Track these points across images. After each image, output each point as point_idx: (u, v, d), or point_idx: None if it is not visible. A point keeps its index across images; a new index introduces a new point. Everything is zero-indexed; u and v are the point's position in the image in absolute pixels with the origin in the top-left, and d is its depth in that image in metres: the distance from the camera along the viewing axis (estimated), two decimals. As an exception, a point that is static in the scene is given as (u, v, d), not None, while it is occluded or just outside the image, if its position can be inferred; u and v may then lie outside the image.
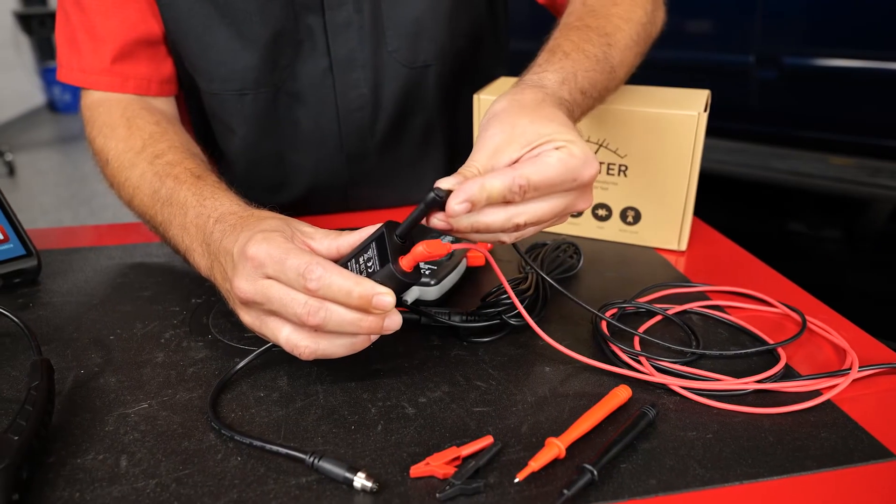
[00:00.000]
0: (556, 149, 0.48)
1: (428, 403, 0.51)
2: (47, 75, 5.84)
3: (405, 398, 0.52)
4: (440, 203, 0.47)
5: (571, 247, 0.75)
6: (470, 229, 0.48)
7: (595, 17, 0.68)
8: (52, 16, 5.67)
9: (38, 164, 4.41)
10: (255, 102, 0.81)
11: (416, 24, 0.81)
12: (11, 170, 4.14)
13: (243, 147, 0.85)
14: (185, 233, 0.59)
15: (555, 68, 0.60)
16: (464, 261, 0.70)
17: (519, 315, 0.60)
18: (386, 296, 0.46)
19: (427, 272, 0.64)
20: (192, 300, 0.66)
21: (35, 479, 0.44)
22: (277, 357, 0.57)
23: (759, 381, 0.52)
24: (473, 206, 0.46)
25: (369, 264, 0.49)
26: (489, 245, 0.75)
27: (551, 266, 0.69)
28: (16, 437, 0.43)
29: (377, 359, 0.56)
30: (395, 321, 0.49)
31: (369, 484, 0.43)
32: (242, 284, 0.49)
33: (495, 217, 0.48)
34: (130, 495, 0.42)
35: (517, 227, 0.49)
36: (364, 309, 0.47)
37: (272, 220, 0.53)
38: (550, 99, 0.55)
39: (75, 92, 5.84)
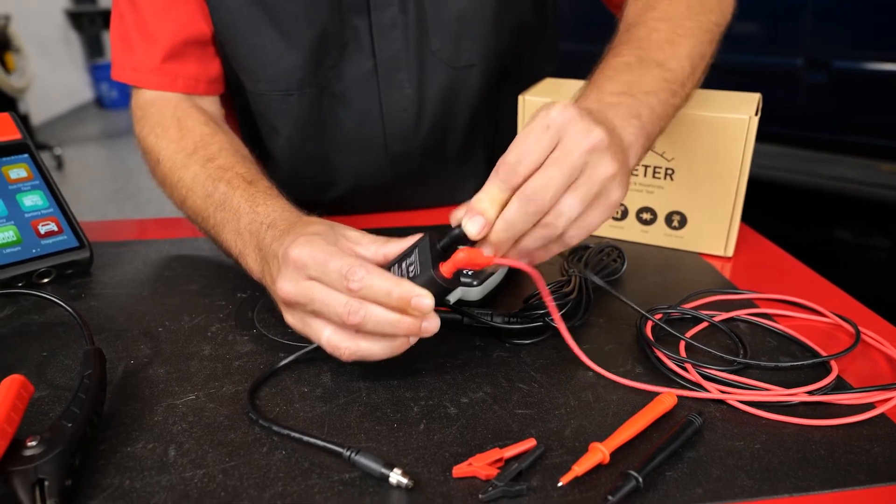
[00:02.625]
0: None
1: (470, 404, 0.51)
2: (96, 72, 5.97)
3: (447, 398, 0.52)
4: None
5: (615, 250, 0.74)
6: (509, 238, 0.48)
7: (624, 32, 0.65)
8: (101, 14, 5.81)
9: (85, 159, 4.51)
10: (299, 103, 0.82)
11: (460, 23, 0.81)
12: (60, 163, 4.24)
13: (288, 147, 0.86)
14: (239, 237, 0.61)
15: (621, 82, 0.57)
16: (506, 262, 0.69)
17: (563, 317, 0.59)
18: (425, 298, 0.47)
19: (469, 273, 0.64)
20: (238, 294, 0.67)
21: (87, 466, 0.45)
22: (321, 353, 0.57)
23: (809, 393, 0.51)
24: (485, 217, 0.47)
25: (410, 269, 0.49)
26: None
27: (595, 269, 0.69)
28: (69, 425, 0.44)
29: (419, 358, 0.56)
30: (433, 324, 0.49)
31: (405, 480, 0.43)
32: (285, 285, 0.49)
33: (515, 211, 0.47)
34: (178, 484, 0.43)
35: (542, 213, 0.47)
36: (403, 310, 0.47)
37: (318, 226, 0.54)
38: (619, 104, 0.54)
39: (122, 88, 6.00)
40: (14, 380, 0.46)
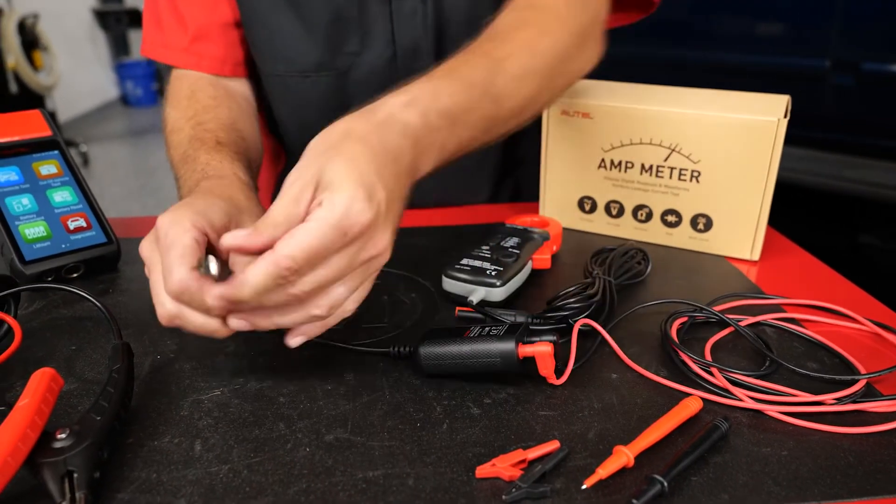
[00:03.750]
0: (319, 205, 0.45)
1: (493, 405, 0.51)
2: (121, 70, 6.05)
3: (470, 398, 0.52)
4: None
5: (639, 252, 0.74)
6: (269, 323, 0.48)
7: (491, 40, 0.62)
8: (128, 13, 5.88)
9: (110, 156, 4.57)
10: (315, 86, 0.85)
11: (473, 7, 0.82)
12: (86, 160, 4.30)
13: (308, 135, 0.86)
14: (187, 191, 0.62)
15: (409, 89, 0.54)
16: (529, 262, 0.70)
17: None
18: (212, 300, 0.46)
19: (493, 273, 0.64)
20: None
21: (114, 459, 0.45)
22: (343, 351, 0.58)
23: (838, 400, 0.50)
24: (233, 306, 0.46)
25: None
26: (554, 248, 0.75)
27: (619, 271, 0.69)
28: (98, 418, 0.45)
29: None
30: (236, 324, 0.48)
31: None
32: (143, 244, 0.51)
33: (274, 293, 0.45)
34: (205, 479, 0.44)
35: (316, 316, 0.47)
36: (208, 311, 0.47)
37: (211, 198, 0.54)
38: (376, 128, 0.50)
39: (147, 87, 6.07)
40: (45, 373, 0.46)
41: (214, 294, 0.45)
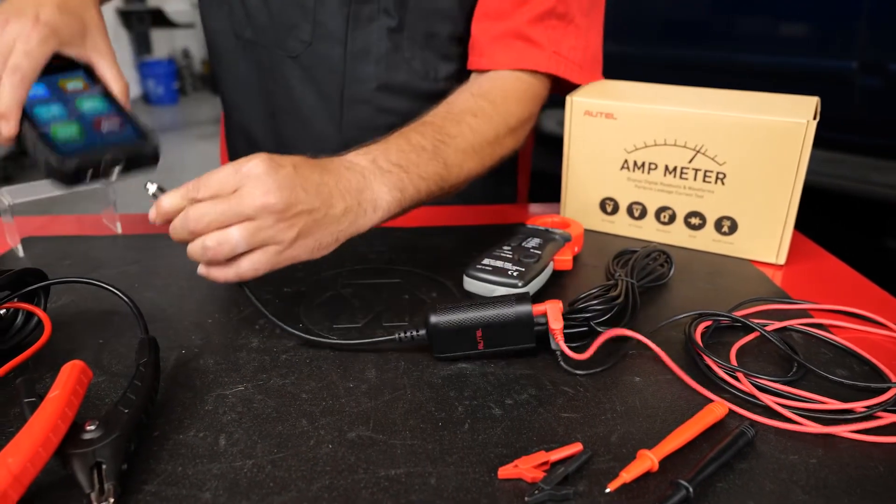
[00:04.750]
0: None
1: (515, 405, 0.51)
2: (143, 69, 6.13)
3: (492, 399, 0.52)
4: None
5: (662, 255, 0.73)
6: (177, 238, 0.56)
7: (444, 118, 0.73)
8: (150, 12, 5.94)
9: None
10: (261, 59, 0.91)
11: (431, 25, 0.87)
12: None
13: (237, 98, 0.97)
14: None
15: (363, 148, 0.64)
16: (551, 263, 0.69)
17: (608, 322, 0.59)
18: None
19: (514, 273, 0.64)
20: (284, 289, 0.68)
21: (141, 451, 0.46)
22: (365, 349, 0.58)
23: (868, 408, 0.50)
24: (158, 211, 0.56)
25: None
26: (575, 250, 0.75)
27: (641, 274, 0.68)
28: (126, 411, 0.45)
29: (464, 357, 0.57)
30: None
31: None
32: None
33: (177, 221, 0.55)
34: (229, 473, 0.44)
35: (192, 232, 0.54)
36: None
37: (73, 17, 0.68)
38: (318, 160, 0.60)
39: (168, 85, 6.14)
40: (75, 365, 0.47)
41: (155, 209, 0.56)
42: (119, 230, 0.84)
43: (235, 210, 0.53)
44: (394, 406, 0.51)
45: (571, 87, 0.85)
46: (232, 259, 0.55)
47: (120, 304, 0.57)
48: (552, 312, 0.55)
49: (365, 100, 0.89)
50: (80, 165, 0.63)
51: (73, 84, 0.72)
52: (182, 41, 6.68)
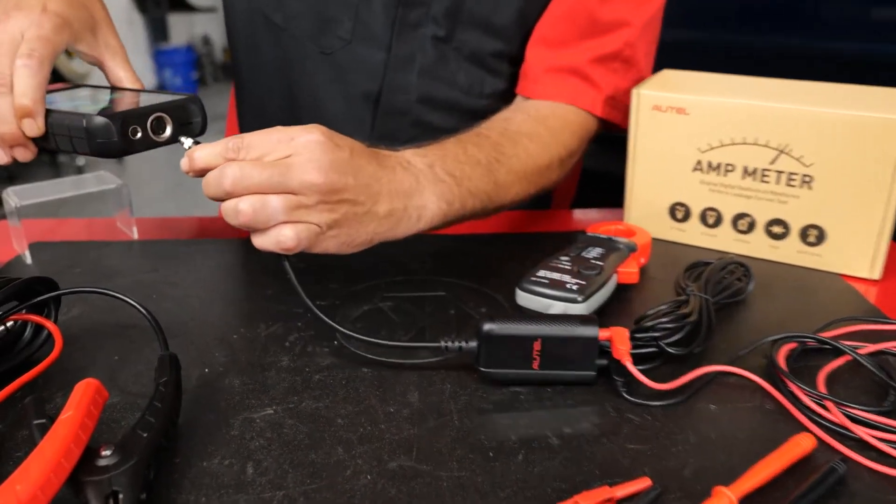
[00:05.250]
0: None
1: (574, 435, 0.51)
2: (159, 57, 6.19)
3: (549, 427, 0.52)
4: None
5: (740, 267, 0.73)
6: (211, 195, 0.56)
7: (501, 134, 0.75)
8: (166, -4, 6.05)
9: (147, 152, 4.70)
10: (292, 49, 0.92)
11: (483, 43, 0.89)
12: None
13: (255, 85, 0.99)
14: None
15: (420, 148, 0.67)
16: (614, 276, 0.69)
17: (679, 343, 0.59)
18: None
19: (574, 287, 0.64)
20: (318, 302, 0.69)
21: (161, 480, 0.47)
22: (407, 370, 0.58)
23: (977, 442, 0.49)
24: (191, 164, 0.56)
25: None
26: (641, 261, 0.74)
27: (716, 289, 0.68)
28: (144, 434, 0.46)
29: (514, 378, 0.57)
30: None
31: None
32: None
33: (211, 177, 0.55)
34: (257, 506, 0.45)
35: (228, 192, 0.54)
36: None
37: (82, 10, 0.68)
38: (375, 150, 0.62)
39: (186, 75, 6.21)
40: (89, 384, 0.48)
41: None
42: (135, 235, 0.86)
43: (280, 180, 0.54)
44: (439, 433, 0.51)
45: (618, 129, 0.88)
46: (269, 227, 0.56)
47: (137, 316, 0.59)
48: (618, 338, 0.56)
49: (402, 111, 0.91)
50: (125, 121, 0.60)
51: (84, 91, 0.72)
52: (202, 27, 6.75)
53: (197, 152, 0.56)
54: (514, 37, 0.88)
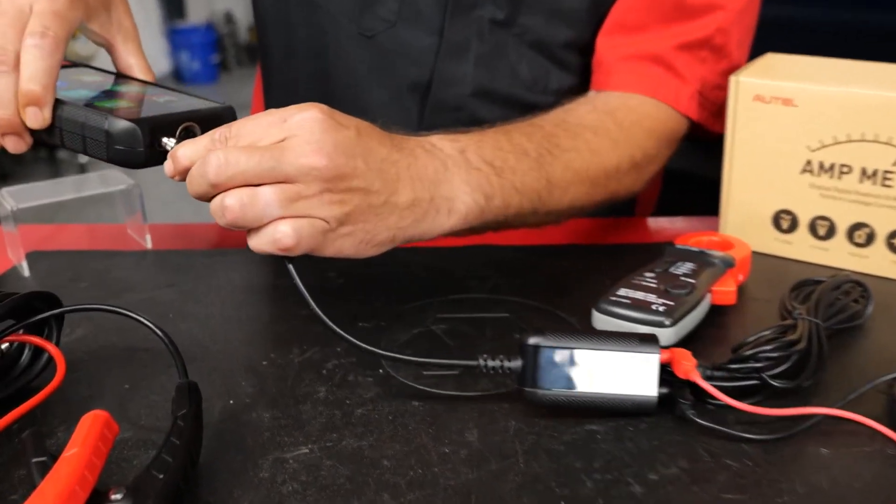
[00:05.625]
0: None
1: (660, 482, 0.51)
2: (174, 37, 6.17)
3: (630, 472, 0.52)
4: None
5: (857, 287, 0.72)
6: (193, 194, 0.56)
7: (557, 125, 0.75)
8: (182, -34, 6.13)
9: (158, 146, 4.78)
10: (328, 30, 0.93)
11: (552, 33, 0.90)
12: (126, 151, 4.52)
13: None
14: None
15: (448, 134, 0.66)
16: (708, 296, 0.69)
17: (785, 375, 0.58)
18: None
19: (661, 308, 0.64)
20: (359, 324, 0.69)
21: (180, 528, 0.47)
22: (464, 403, 0.59)
23: None
24: (176, 164, 0.56)
25: None
26: (740, 278, 0.74)
27: (828, 312, 0.67)
28: (160, 476, 0.46)
29: (592, 417, 0.57)
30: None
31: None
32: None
33: (195, 170, 0.55)
34: (291, 561, 0.45)
35: (213, 184, 0.54)
36: None
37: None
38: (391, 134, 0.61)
39: (205, 59, 6.27)
40: (97, 417, 0.48)
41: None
42: (148, 244, 0.87)
43: (272, 164, 0.53)
44: (502, 479, 0.51)
45: (706, 133, 0.87)
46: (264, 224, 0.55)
47: (151, 338, 0.59)
48: (680, 355, 0.56)
49: (454, 106, 0.91)
50: (154, 129, 0.60)
51: (90, 77, 0.73)
52: (224, 3, 6.75)
53: (181, 150, 0.56)
54: (585, 24, 0.88)
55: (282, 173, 0.53)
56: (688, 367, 0.55)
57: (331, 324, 0.58)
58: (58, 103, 0.63)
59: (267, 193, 0.53)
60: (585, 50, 0.90)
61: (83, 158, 4.34)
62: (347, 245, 0.57)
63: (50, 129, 0.63)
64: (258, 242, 0.55)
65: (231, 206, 0.53)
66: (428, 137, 0.64)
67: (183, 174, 0.56)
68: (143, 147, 0.59)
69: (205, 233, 0.92)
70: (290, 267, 0.58)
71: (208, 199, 0.55)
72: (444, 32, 0.88)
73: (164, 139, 0.59)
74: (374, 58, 0.91)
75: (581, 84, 0.91)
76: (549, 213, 0.72)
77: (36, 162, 4.60)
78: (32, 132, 0.63)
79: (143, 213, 0.87)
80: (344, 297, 0.62)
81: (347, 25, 0.91)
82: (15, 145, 0.63)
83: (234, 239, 0.90)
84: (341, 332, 0.58)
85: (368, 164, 0.56)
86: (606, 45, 0.87)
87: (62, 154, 4.54)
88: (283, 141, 0.54)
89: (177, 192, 0.60)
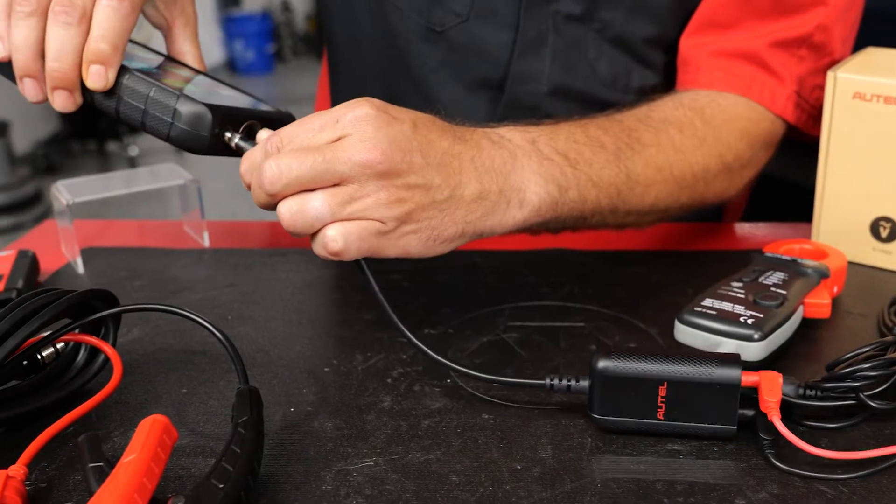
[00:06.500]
0: None
1: (749, 507, 0.50)
2: (229, 26, 6.21)
3: (715, 496, 0.51)
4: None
5: (964, 301, 0.70)
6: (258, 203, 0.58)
7: (638, 120, 0.74)
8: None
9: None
10: (396, 24, 0.93)
11: (636, 30, 0.89)
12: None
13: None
14: None
15: (517, 126, 0.66)
16: (800, 309, 0.68)
17: (886, 395, 0.57)
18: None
19: (749, 321, 0.63)
20: (426, 331, 0.70)
21: (241, 541, 0.48)
22: (537, 417, 0.58)
23: None
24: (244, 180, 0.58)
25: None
26: (835, 290, 0.72)
27: (934, 327, 0.66)
28: (221, 486, 0.47)
29: (634, 428, 0.57)
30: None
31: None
32: None
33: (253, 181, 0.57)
34: (356, 579, 0.46)
35: (270, 194, 0.55)
36: None
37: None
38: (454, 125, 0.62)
39: (260, 48, 6.33)
40: (157, 421, 0.49)
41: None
42: (206, 242, 0.88)
43: (326, 167, 0.54)
44: (578, 499, 0.51)
45: (803, 135, 0.86)
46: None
47: (210, 340, 0.60)
48: (768, 385, 0.55)
49: (530, 105, 0.91)
50: (225, 117, 0.62)
51: (145, 54, 0.73)
52: (281, -10, 6.82)
53: (242, 167, 0.58)
54: (669, 19, 0.87)
55: (336, 174, 0.54)
56: (770, 404, 0.54)
57: (406, 331, 0.59)
58: (123, 70, 0.63)
59: (316, 200, 0.54)
60: (670, 48, 0.89)
61: (133, 151, 4.41)
62: (413, 244, 0.58)
63: (108, 94, 0.63)
64: (314, 247, 0.57)
65: (282, 215, 0.55)
66: (496, 129, 0.64)
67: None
68: (209, 133, 0.61)
69: (260, 231, 0.93)
70: (366, 268, 0.59)
71: (274, 207, 0.57)
72: (519, 27, 0.88)
73: (228, 132, 0.60)
74: (444, 53, 0.91)
75: (665, 84, 0.90)
76: (629, 213, 0.71)
77: (84, 155, 4.68)
78: (85, 93, 0.64)
79: (201, 210, 0.88)
80: (410, 302, 0.63)
81: (416, 19, 0.91)
82: (63, 102, 0.63)
83: (290, 238, 0.90)
84: (415, 340, 0.59)
85: (427, 158, 0.57)
86: (693, 43, 0.86)
87: (111, 147, 4.63)
88: (337, 141, 0.55)
89: (230, 188, 0.61)
